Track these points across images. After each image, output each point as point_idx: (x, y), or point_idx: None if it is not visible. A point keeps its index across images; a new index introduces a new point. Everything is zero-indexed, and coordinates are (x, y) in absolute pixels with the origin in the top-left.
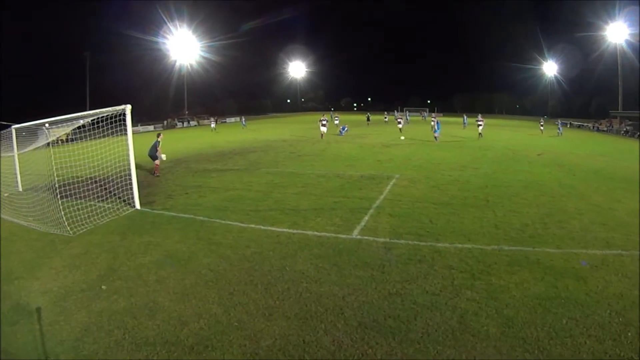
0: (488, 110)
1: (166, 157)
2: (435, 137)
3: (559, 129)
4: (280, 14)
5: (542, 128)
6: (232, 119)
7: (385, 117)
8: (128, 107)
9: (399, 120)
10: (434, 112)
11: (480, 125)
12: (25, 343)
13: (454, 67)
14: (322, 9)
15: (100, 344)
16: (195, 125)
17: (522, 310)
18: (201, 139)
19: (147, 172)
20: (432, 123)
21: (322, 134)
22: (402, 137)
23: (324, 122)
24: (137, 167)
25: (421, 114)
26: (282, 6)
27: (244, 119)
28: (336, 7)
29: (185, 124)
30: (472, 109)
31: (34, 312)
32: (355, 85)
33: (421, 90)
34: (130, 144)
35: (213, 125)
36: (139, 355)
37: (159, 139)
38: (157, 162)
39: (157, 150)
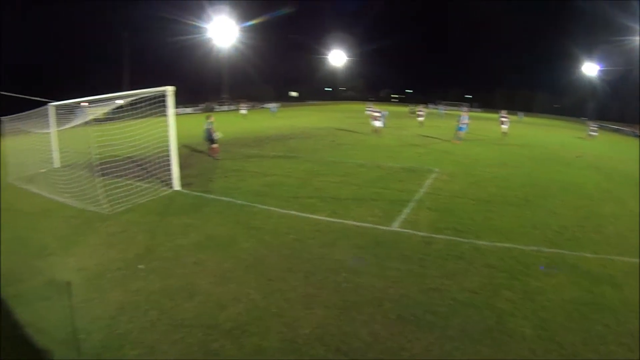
0: (527, 108)
1: (222, 135)
2: (456, 136)
3: (591, 131)
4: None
5: (593, 134)
6: (270, 105)
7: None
8: (170, 89)
9: (418, 113)
10: (466, 106)
11: (504, 123)
12: (57, 319)
13: (495, 63)
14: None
15: (135, 324)
16: (234, 110)
17: (557, 314)
18: (239, 123)
19: (187, 154)
20: (461, 119)
21: (375, 130)
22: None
23: (376, 116)
24: (178, 148)
25: (460, 108)
26: None
27: (274, 106)
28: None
29: (225, 107)
30: (511, 106)
31: (67, 288)
32: (394, 76)
33: (461, 83)
34: (172, 125)
35: (244, 111)
36: (174, 337)
37: (210, 120)
38: (215, 145)
39: (212, 133)
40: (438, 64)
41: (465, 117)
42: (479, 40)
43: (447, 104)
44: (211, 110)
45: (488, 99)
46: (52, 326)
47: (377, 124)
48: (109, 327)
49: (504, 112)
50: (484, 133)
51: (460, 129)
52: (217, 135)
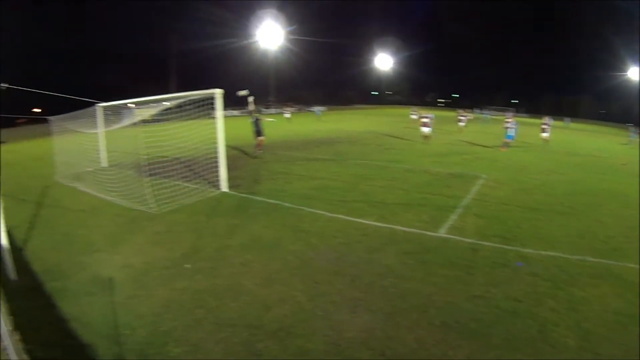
0: (573, 113)
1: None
2: (505, 144)
3: (631, 135)
4: (368, 4)
5: (634, 139)
6: (315, 108)
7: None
8: (219, 91)
9: (460, 118)
10: (511, 112)
11: (545, 130)
12: (101, 314)
13: (542, 68)
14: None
15: (180, 321)
16: (280, 113)
17: (600, 325)
18: (285, 126)
19: (234, 156)
20: (507, 125)
21: (425, 136)
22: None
23: (426, 121)
24: (225, 150)
25: (504, 113)
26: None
27: (319, 109)
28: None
29: (272, 110)
30: (558, 112)
31: (111, 284)
32: (441, 81)
33: (507, 88)
34: (220, 127)
35: (288, 115)
36: (219, 336)
37: (255, 114)
38: (261, 137)
39: (259, 125)
40: (485, 69)
41: (513, 124)
42: (525, 44)
43: (493, 109)
44: (258, 112)
45: (534, 104)
46: (96, 321)
47: (427, 130)
48: (153, 323)
49: (546, 119)
50: (530, 140)
51: (508, 136)
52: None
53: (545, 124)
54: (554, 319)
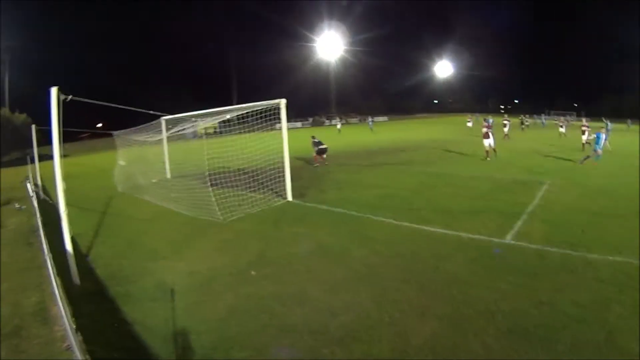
0: (636, 115)
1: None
2: (595, 153)
3: None
4: (427, 13)
5: None
6: (380, 119)
7: (469, 121)
8: (283, 101)
9: (504, 122)
10: (568, 115)
11: (585, 132)
12: (166, 318)
13: (602, 70)
14: (469, 9)
15: (245, 327)
16: (344, 124)
17: None
18: (349, 136)
19: (298, 166)
20: (588, 134)
21: (487, 152)
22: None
23: (487, 131)
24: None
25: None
26: (430, 7)
27: (371, 120)
28: (484, 7)
29: (335, 121)
30: (619, 114)
31: (176, 290)
32: (502, 86)
33: (568, 92)
34: (285, 137)
35: (339, 126)
36: (284, 341)
37: (312, 136)
38: (318, 155)
39: (316, 143)
40: (545, 73)
41: (598, 133)
42: (586, 48)
43: (555, 114)
44: (321, 124)
45: (596, 107)
46: (160, 325)
47: (488, 142)
48: (218, 328)
49: (584, 121)
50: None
51: (597, 145)
52: (323, 145)
53: (584, 126)
54: (621, 325)
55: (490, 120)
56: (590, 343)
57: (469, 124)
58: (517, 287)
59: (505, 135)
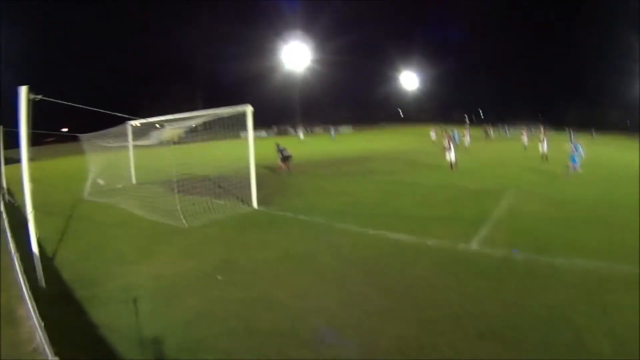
0: (599, 126)
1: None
2: (571, 167)
3: None
4: (391, 23)
5: None
6: (345, 128)
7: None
8: (249, 108)
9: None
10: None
11: (544, 142)
12: (132, 321)
13: (563, 78)
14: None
15: (212, 330)
16: (307, 133)
17: (635, 331)
18: (314, 146)
19: (264, 174)
20: (547, 144)
21: (451, 164)
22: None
23: (447, 145)
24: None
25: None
26: (394, 15)
27: (333, 130)
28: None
29: (298, 131)
30: (585, 124)
31: (142, 293)
32: (466, 97)
33: (531, 104)
34: (251, 144)
35: (301, 135)
36: (251, 344)
37: (277, 143)
38: (282, 163)
39: (281, 151)
40: (509, 84)
41: (575, 145)
42: (549, 57)
43: (519, 125)
44: (284, 133)
45: (559, 117)
46: (127, 328)
47: (451, 155)
48: (185, 332)
49: (540, 129)
50: (558, 154)
51: (574, 160)
52: (288, 152)
53: (542, 135)
54: (588, 325)
55: (455, 133)
56: (559, 342)
57: (432, 135)
58: (484, 291)
59: (465, 147)
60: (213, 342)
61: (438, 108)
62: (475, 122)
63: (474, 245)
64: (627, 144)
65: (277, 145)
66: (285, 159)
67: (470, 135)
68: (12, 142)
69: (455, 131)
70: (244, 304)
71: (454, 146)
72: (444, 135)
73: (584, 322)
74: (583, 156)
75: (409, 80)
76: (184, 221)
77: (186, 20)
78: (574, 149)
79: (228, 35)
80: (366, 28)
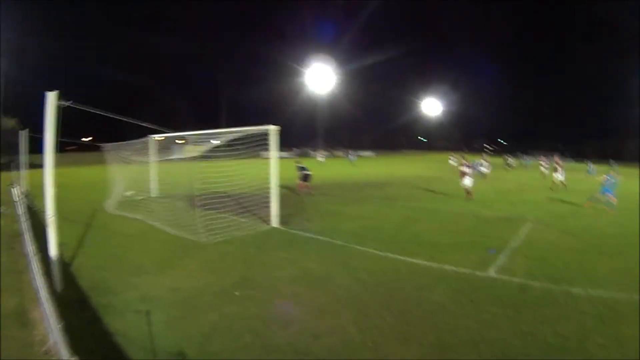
0: (618, 156)
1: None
2: (606, 198)
3: None
4: (417, 51)
5: None
6: (367, 153)
7: (451, 159)
8: (273, 128)
9: (555, 166)
10: (545, 156)
11: (558, 171)
12: (147, 331)
13: (586, 111)
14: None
15: (228, 345)
16: (329, 156)
17: None
18: (335, 169)
19: (284, 194)
20: (562, 173)
21: (467, 191)
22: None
23: (465, 170)
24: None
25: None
26: (420, 43)
27: (352, 154)
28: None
29: (318, 154)
30: (603, 155)
31: (159, 304)
32: (487, 126)
33: (552, 134)
34: (274, 163)
35: (322, 158)
36: None
37: (299, 164)
38: (303, 182)
39: (302, 171)
40: (531, 115)
41: (609, 176)
42: (570, 92)
43: (538, 155)
44: (306, 155)
45: (579, 149)
46: (142, 337)
47: (467, 182)
48: (201, 344)
49: (556, 158)
50: (575, 184)
51: (606, 190)
52: (308, 171)
53: (557, 163)
54: (602, 355)
55: (477, 162)
56: None
57: (452, 162)
58: (500, 318)
59: (483, 175)
60: (229, 356)
61: (459, 136)
62: (496, 150)
63: (492, 273)
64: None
65: (297, 164)
66: (305, 178)
67: (489, 164)
68: (36, 147)
69: (478, 160)
70: (260, 320)
71: (472, 174)
72: (462, 163)
73: (599, 353)
74: (616, 185)
75: (432, 107)
76: (203, 236)
77: (214, 40)
78: (607, 179)
79: (254, 56)
80: (391, 54)
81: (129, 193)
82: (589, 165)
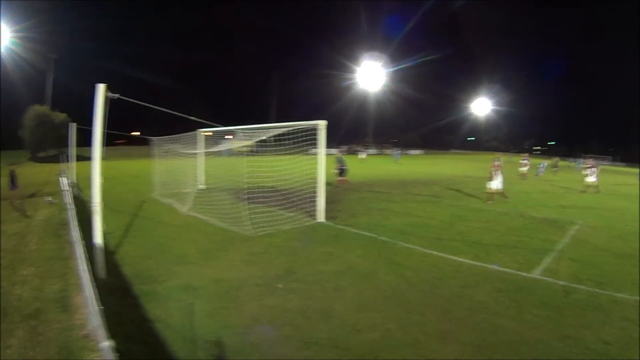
0: None
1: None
2: None
3: None
4: (467, 50)
5: None
6: (416, 152)
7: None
8: (322, 123)
9: (521, 162)
10: (592, 159)
11: (591, 174)
12: (188, 319)
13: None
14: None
15: (268, 336)
16: (377, 154)
17: None
18: (383, 166)
19: (331, 190)
20: (595, 175)
21: (490, 194)
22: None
23: (493, 172)
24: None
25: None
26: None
27: (398, 152)
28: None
29: (367, 151)
30: None
31: (201, 294)
32: (538, 127)
33: (603, 136)
34: (322, 158)
35: (363, 155)
36: (305, 354)
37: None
38: (341, 178)
39: (340, 167)
40: (583, 117)
41: None
42: (625, 93)
43: (589, 157)
44: (355, 152)
45: (629, 152)
46: (181, 325)
47: (494, 184)
48: (240, 334)
49: (590, 161)
50: (622, 188)
51: None
52: (345, 165)
53: (590, 166)
54: None
55: (499, 161)
56: None
57: (498, 163)
58: (542, 320)
59: (522, 174)
60: (268, 348)
61: (509, 136)
62: (547, 152)
63: (536, 274)
64: None
65: (337, 158)
66: (342, 172)
67: (529, 164)
68: (86, 140)
69: (543, 162)
70: (301, 313)
71: (499, 174)
72: (493, 164)
73: None
74: None
75: (482, 106)
76: (249, 228)
77: (267, 34)
78: None
79: (307, 52)
80: (441, 53)
81: (177, 185)
82: None
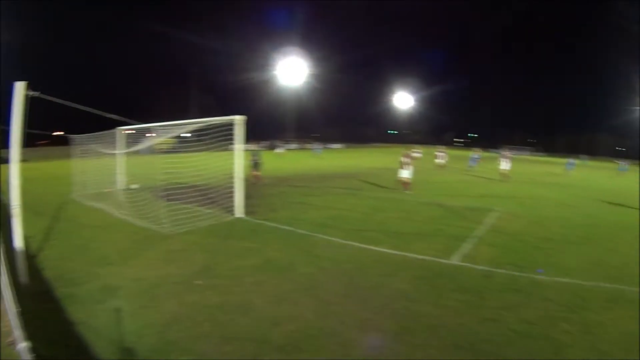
0: (591, 151)
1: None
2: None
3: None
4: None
5: (623, 170)
6: (336, 146)
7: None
8: (239, 118)
9: (437, 154)
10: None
11: (504, 162)
12: (108, 321)
13: (557, 106)
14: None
15: (187, 333)
16: (297, 149)
17: (616, 347)
18: (303, 161)
19: (250, 186)
20: (508, 163)
21: (403, 183)
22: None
23: (405, 161)
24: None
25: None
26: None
27: (317, 147)
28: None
29: (287, 146)
30: (575, 150)
31: (121, 294)
32: (458, 120)
33: (524, 128)
34: (240, 153)
35: (281, 150)
36: (225, 349)
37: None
38: (256, 172)
39: (256, 162)
40: (501, 109)
41: None
42: (540, 84)
43: (508, 149)
44: (274, 148)
45: (550, 143)
46: (103, 326)
47: (404, 174)
48: (160, 333)
49: (506, 151)
50: (544, 177)
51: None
52: (259, 159)
53: (504, 155)
54: (569, 341)
55: (418, 153)
56: (538, 357)
57: (418, 155)
58: (463, 304)
59: (439, 165)
60: (187, 345)
61: (429, 130)
62: (468, 144)
63: (456, 261)
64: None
65: (252, 152)
66: (255, 166)
67: (446, 154)
68: (4, 141)
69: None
70: (221, 308)
71: (409, 165)
72: (404, 154)
73: (564, 339)
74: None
75: (403, 100)
76: (167, 227)
77: (186, 29)
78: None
79: (225, 46)
80: (363, 47)
81: (97, 185)
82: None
